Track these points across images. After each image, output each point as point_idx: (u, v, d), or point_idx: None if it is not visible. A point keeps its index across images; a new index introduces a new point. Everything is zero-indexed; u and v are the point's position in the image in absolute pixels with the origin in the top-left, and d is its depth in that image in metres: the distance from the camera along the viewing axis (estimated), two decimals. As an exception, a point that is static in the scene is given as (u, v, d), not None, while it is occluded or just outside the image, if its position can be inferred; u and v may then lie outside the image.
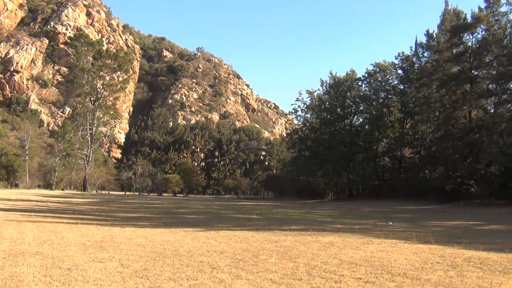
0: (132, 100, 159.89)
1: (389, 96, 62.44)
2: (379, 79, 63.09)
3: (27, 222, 15.56)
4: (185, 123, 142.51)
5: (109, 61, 79.32)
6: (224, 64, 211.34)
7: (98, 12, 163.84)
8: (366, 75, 64.17)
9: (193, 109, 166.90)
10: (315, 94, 68.82)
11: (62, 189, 75.77)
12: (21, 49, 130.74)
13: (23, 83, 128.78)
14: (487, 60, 45.24)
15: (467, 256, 9.56)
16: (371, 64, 66.68)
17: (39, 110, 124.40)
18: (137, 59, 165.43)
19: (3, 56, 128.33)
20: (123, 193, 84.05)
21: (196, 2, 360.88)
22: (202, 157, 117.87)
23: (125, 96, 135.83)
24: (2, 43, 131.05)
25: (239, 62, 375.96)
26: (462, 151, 43.36)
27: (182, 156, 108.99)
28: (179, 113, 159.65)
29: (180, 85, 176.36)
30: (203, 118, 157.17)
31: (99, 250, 9.48)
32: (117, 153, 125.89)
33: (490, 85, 46.07)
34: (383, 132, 61.85)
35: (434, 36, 51.58)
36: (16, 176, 74.37)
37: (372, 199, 51.57)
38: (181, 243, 11.09)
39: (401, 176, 58.86)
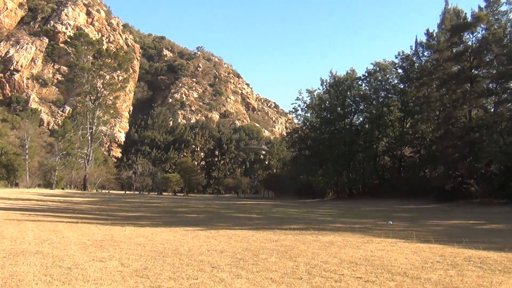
0: (132, 99, 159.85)
1: (389, 95, 62.45)
2: (379, 78, 63.11)
3: (27, 221, 15.57)
4: (185, 122, 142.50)
5: (109, 60, 79.30)
6: (224, 63, 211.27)
7: (98, 11, 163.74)
8: (366, 74, 64.20)
9: (193, 108, 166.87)
10: (315, 93, 68.84)
11: (62, 188, 75.80)
12: (21, 48, 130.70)
13: (23, 82, 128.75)
14: (487, 59, 45.23)
15: (467, 255, 9.56)
16: (371, 63, 66.76)
17: (39, 109, 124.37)
18: (137, 58, 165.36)
19: (3, 55, 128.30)
20: (123, 192, 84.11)
21: (196, 1, 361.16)
22: (202, 156, 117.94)
23: (125, 95, 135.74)
24: (2, 42, 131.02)
25: (239, 61, 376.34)
26: (462, 150, 43.36)
27: (182, 155, 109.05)
28: (179, 112, 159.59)
29: (180, 84, 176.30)
30: (203, 117, 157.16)
31: (99, 249, 9.48)
32: (117, 152, 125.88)
33: (490, 84, 46.05)
34: (383, 131, 61.85)
35: (434, 35, 51.58)
36: (16, 175, 74.39)
37: (372, 198, 51.61)
38: (181, 242, 11.10)
39: (401, 175, 58.88)
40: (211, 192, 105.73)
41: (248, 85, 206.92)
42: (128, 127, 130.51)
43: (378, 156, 63.65)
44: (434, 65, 49.66)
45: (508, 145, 39.21)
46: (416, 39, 56.35)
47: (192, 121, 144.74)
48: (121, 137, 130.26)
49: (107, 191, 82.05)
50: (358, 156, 64.26)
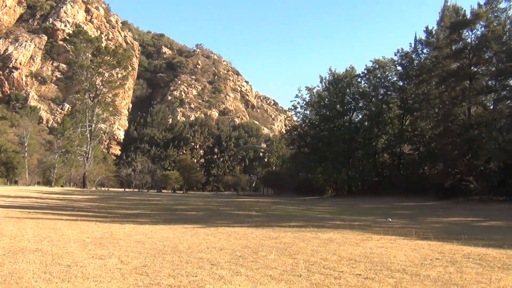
0: (131, 96, 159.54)
1: (389, 92, 62.43)
2: (379, 75, 63.09)
3: (27, 219, 15.57)
4: (184, 119, 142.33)
5: (108, 58, 79.21)
6: (224, 61, 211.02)
7: (97, 8, 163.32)
8: (366, 72, 64.14)
9: (192, 105, 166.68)
10: (315, 90, 68.74)
11: (62, 186, 75.77)
12: (20, 46, 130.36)
13: (22, 79, 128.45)
14: (486, 57, 45.26)
15: (466, 252, 9.57)
16: (371, 61, 66.71)
17: (38, 107, 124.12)
18: (136, 56, 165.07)
19: (2, 52, 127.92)
20: (123, 189, 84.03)
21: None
22: (202, 154, 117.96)
23: (124, 92, 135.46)
24: (1, 40, 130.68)
25: (238, 58, 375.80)
26: (461, 147, 43.40)
27: (181, 153, 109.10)
28: (178, 110, 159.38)
29: (179, 82, 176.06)
30: (203, 115, 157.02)
31: (98, 247, 9.49)
32: (116, 150, 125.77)
33: (489, 82, 46.09)
34: (382, 128, 61.87)
35: (434, 32, 51.53)
36: (16, 173, 74.33)
37: (371, 195, 51.65)
38: (180, 240, 11.11)
39: (400, 172, 58.93)
40: (210, 190, 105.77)
41: (247, 82, 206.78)
42: (127, 125, 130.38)
43: (377, 154, 63.66)
44: (433, 62, 49.66)
45: (507, 142, 39.25)
46: (415, 37, 56.46)
47: (191, 119, 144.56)
48: (120, 135, 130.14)
49: (106, 189, 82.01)
50: (357, 153, 64.26)
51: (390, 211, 27.94)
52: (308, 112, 70.93)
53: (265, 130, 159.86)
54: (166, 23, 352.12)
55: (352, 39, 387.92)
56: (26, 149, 78.70)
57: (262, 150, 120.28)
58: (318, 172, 63.75)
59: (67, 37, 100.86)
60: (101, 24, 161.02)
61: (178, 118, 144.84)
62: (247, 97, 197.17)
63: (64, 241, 10.32)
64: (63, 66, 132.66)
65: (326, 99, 66.42)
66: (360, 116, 67.79)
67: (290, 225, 15.42)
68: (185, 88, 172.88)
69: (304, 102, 69.74)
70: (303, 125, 72.50)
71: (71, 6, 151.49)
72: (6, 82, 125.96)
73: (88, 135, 78.67)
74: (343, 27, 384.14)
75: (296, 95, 71.04)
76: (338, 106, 65.13)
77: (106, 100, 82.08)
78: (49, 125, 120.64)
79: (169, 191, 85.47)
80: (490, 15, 44.43)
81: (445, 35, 47.94)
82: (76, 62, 78.85)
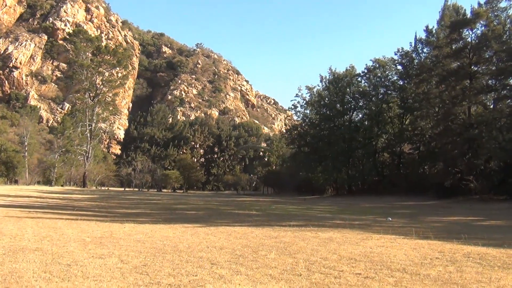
0: (131, 96, 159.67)
1: (389, 92, 62.41)
2: (379, 75, 63.08)
3: (27, 218, 15.57)
4: (184, 119, 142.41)
5: (108, 57, 79.22)
6: (224, 60, 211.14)
7: (97, 8, 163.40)
8: (366, 71, 64.13)
9: (192, 105, 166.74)
10: (315, 90, 68.78)
11: (62, 185, 75.79)
12: (20, 45, 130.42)
13: (22, 79, 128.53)
14: (487, 56, 45.26)
15: (466, 251, 9.57)
16: (371, 60, 66.68)
17: (38, 106, 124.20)
18: (136, 55, 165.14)
19: (2, 52, 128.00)
20: (123, 189, 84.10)
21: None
22: (202, 153, 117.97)
23: (124, 92, 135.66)
24: (1, 39, 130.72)
25: (239, 58, 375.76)
26: (461, 146, 43.39)
27: (181, 152, 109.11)
28: (179, 109, 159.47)
29: (179, 81, 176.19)
30: (203, 114, 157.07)
31: (98, 246, 9.49)
32: (116, 149, 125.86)
33: (490, 81, 46.11)
34: (382, 128, 61.85)
35: (434, 31, 51.52)
36: (16, 172, 74.31)
37: (371, 195, 51.63)
38: (180, 239, 11.11)
39: (400, 172, 58.93)
40: (210, 189, 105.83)
41: (247, 81, 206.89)
42: (127, 124, 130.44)
43: (377, 153, 63.65)
44: (434, 61, 49.66)
45: (507, 142, 39.23)
46: (416, 36, 56.44)
47: (191, 118, 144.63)
48: (121, 134, 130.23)
49: (106, 188, 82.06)
50: (357, 152, 64.26)
51: (390, 211, 27.94)
52: (308, 111, 70.99)
53: (265, 130, 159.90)
54: (166, 23, 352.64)
55: (352, 38, 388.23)
56: (26, 149, 78.69)
57: (262, 149, 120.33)
58: (318, 171, 63.76)
59: (67, 37, 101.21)
60: (101, 24, 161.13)
61: (178, 117, 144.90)
62: (247, 97, 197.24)
63: (64, 240, 10.32)
64: (63, 65, 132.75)
65: (326, 99, 66.42)
66: (360, 116, 67.84)
67: (290, 225, 15.41)
68: (185, 88, 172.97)
69: (304, 102, 69.82)
70: (303, 125, 72.51)
71: (71, 5, 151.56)
72: (6, 82, 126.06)
73: (88, 135, 78.68)
74: (343, 27, 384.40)
75: (296, 94, 71.20)
76: (338, 105, 65.13)
77: (106, 99, 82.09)
78: (49, 125, 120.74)
79: (169, 191, 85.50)
80: (490, 14, 44.43)
81: (445, 34, 47.93)
82: (76, 62, 78.89)
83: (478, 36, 45.37)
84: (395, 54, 60.05)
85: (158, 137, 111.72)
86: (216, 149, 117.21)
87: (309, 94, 69.30)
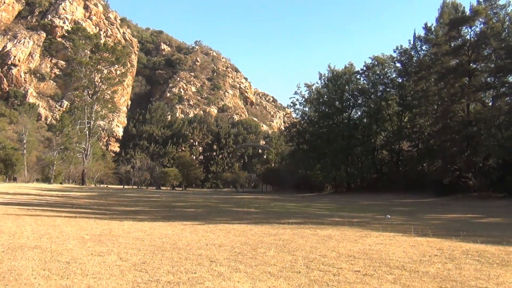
0: (130, 93, 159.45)
1: (387, 89, 62.45)
2: (378, 72, 63.09)
3: (26, 216, 15.56)
4: (183, 116, 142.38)
5: (107, 55, 79.18)
6: (222, 58, 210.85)
7: (95, 5, 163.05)
8: (365, 69, 64.16)
9: (191, 102, 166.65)
10: (314, 87, 68.77)
11: (61, 183, 75.74)
12: (19, 43, 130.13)
13: (20, 76, 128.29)
14: (486, 53, 45.27)
15: (465, 248, 9.58)
16: (370, 58, 66.64)
17: (37, 104, 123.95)
18: (134, 53, 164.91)
19: (0, 49, 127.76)
20: (122, 186, 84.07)
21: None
22: (201, 151, 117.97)
23: (123, 89, 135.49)
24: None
25: (237, 55, 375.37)
26: (460, 144, 43.44)
27: (180, 150, 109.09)
28: (177, 107, 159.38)
29: (178, 79, 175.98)
30: (201, 112, 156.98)
31: (97, 244, 9.49)
32: (115, 147, 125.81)
33: (488, 78, 46.15)
34: (381, 125, 61.88)
35: (433, 29, 51.49)
36: (14, 170, 74.24)
37: (370, 192, 51.67)
38: (179, 237, 11.11)
39: (399, 169, 59.01)
40: (209, 187, 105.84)
41: (246, 79, 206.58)
42: (126, 122, 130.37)
43: (376, 150, 63.70)
44: (432, 59, 49.67)
45: (506, 139, 39.27)
46: (415, 33, 56.31)
47: (190, 116, 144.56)
48: (119, 132, 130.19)
49: (105, 186, 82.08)
50: (356, 150, 64.29)
51: (389, 208, 27.96)
52: (307, 109, 71.01)
53: (264, 127, 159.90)
54: (165, 20, 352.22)
55: (351, 36, 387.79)
56: (25, 146, 78.71)
57: (261, 149, 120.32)
58: (317, 169, 63.80)
59: (66, 34, 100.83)
60: (100, 21, 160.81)
61: (177, 115, 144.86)
62: (246, 94, 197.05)
63: (63, 238, 10.31)
64: (61, 63, 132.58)
65: (325, 96, 66.42)
66: (359, 113, 67.83)
67: (289, 222, 15.42)
68: (184, 85, 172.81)
69: (303, 99, 69.82)
70: (302, 122, 72.52)
71: (70, 2, 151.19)
72: (4, 79, 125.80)
73: (87, 132, 78.69)
74: (342, 24, 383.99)
75: (295, 92, 71.06)
76: (337, 103, 65.13)
77: (105, 97, 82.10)
78: (48, 122, 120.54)
79: (168, 188, 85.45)
80: (489, 12, 44.43)
81: (444, 31, 47.92)
82: (75, 59, 78.87)
83: (477, 33, 45.41)
84: (394, 51, 60.20)
85: (157, 134, 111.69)
86: (215, 147, 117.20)
87: (308, 91, 69.40)
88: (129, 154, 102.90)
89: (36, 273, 6.51)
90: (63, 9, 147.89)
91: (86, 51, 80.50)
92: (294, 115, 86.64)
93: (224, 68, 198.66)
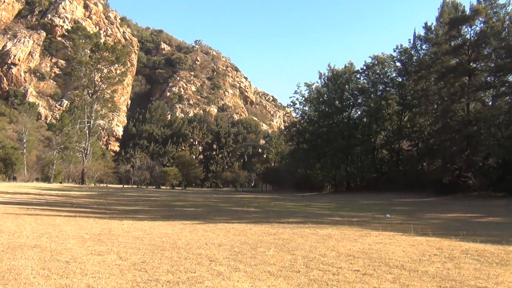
0: (130, 93, 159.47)
1: (387, 88, 62.45)
2: (378, 71, 63.09)
3: (25, 215, 15.56)
4: (183, 116, 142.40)
5: (107, 54, 79.12)
6: (222, 57, 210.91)
7: (95, 4, 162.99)
8: (365, 68, 64.15)
9: (191, 102, 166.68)
10: (313, 86, 68.78)
11: (60, 182, 75.74)
12: (19, 42, 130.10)
13: (20, 76, 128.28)
14: (486, 53, 45.26)
15: (465, 248, 9.59)
16: (370, 57, 66.80)
17: (36, 103, 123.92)
18: (134, 52, 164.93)
19: (0, 49, 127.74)
20: (121, 186, 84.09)
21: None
22: (200, 150, 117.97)
23: (123, 89, 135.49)
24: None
25: (237, 54, 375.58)
26: (460, 143, 43.43)
27: (180, 149, 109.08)
28: (177, 106, 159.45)
29: (178, 78, 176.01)
30: (201, 111, 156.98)
31: (97, 243, 9.49)
32: (115, 146, 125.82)
33: (488, 78, 46.13)
34: (381, 124, 61.88)
35: (433, 28, 51.50)
36: (14, 169, 74.23)
37: (370, 191, 51.68)
38: (179, 236, 11.11)
39: (399, 168, 59.02)
40: (209, 186, 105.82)
41: (246, 78, 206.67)
42: (126, 121, 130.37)
43: (376, 150, 63.71)
44: (432, 58, 49.67)
45: (506, 139, 39.26)
46: (415, 33, 56.36)
47: (190, 115, 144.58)
48: (119, 131, 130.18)
49: (105, 185, 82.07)
50: (356, 149, 64.31)
51: (388, 207, 27.96)
52: (307, 108, 71.04)
53: (264, 126, 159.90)
54: (165, 19, 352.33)
55: (351, 35, 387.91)
56: (24, 146, 78.70)
57: (260, 148, 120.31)
58: (317, 168, 63.83)
59: (66, 33, 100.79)
60: (100, 20, 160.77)
61: (177, 114, 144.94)
62: (246, 93, 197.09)
63: (62, 237, 10.31)
64: (61, 62, 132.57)
65: (325, 95, 66.45)
66: (359, 112, 67.83)
67: (288, 221, 15.43)
68: (184, 84, 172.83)
69: (303, 98, 69.83)
70: (302, 121, 72.51)
71: (70, 2, 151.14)
72: (4, 78, 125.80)
73: (87, 132, 78.65)
74: (342, 23, 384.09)
75: (295, 91, 71.21)
76: (337, 102, 65.15)
77: (105, 96, 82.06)
78: (47, 122, 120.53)
79: (168, 187, 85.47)
80: (489, 11, 44.41)
81: (444, 31, 47.91)
82: (75, 58, 78.83)
83: (477, 33, 45.39)
84: (394, 51, 60.26)
85: (157, 134, 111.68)
86: (214, 146, 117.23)
87: (308, 91, 69.42)
88: (129, 153, 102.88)
89: (35, 272, 6.51)
90: (63, 8, 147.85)
91: (86, 50, 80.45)
92: (294, 114, 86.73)
93: (224, 68, 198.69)
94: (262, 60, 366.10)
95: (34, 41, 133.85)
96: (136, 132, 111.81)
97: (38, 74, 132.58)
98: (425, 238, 11.20)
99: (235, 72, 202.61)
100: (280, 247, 9.48)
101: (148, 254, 8.28)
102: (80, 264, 7.12)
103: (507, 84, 44.11)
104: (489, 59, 45.57)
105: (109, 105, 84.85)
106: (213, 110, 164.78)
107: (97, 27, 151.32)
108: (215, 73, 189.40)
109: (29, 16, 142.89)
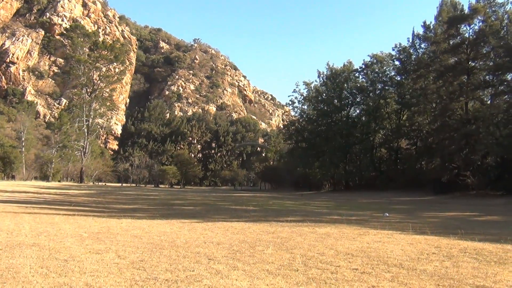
0: (128, 91, 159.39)
1: (386, 87, 62.49)
2: (376, 70, 63.13)
3: (24, 214, 15.54)
4: (182, 114, 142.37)
5: (106, 52, 79.01)
6: (221, 55, 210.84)
7: (94, 3, 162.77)
8: (363, 67, 64.19)
9: (190, 100, 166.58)
10: (312, 85, 68.82)
11: (59, 181, 75.69)
12: (17, 40, 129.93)
13: (19, 74, 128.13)
14: (484, 51, 45.31)
15: (463, 246, 9.59)
16: (368, 56, 66.67)
17: (35, 102, 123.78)
18: (133, 50, 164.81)
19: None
20: (120, 184, 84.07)
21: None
22: (199, 149, 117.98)
23: (121, 87, 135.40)
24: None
25: (236, 53, 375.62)
26: (458, 142, 43.45)
27: (179, 148, 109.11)
28: (176, 105, 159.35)
29: (176, 77, 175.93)
30: (200, 110, 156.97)
31: (96, 242, 9.48)
32: (113, 145, 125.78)
33: (487, 77, 46.16)
34: (380, 123, 61.94)
35: (431, 27, 51.54)
36: (13, 168, 74.18)
37: (368, 190, 51.72)
38: (178, 235, 11.10)
39: (397, 167, 59.06)
40: (207, 185, 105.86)
41: (245, 77, 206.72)
42: (124, 120, 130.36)
43: (374, 148, 63.77)
44: (431, 57, 49.71)
45: (504, 137, 39.30)
46: (413, 31, 56.43)
47: (188, 114, 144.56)
48: (118, 130, 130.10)
49: (103, 184, 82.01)
50: (354, 148, 64.33)
51: (387, 206, 27.97)
52: (305, 107, 71.07)
53: (263, 125, 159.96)
54: (163, 18, 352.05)
55: (350, 34, 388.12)
56: (23, 144, 78.60)
57: (260, 147, 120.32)
58: (316, 167, 63.84)
59: (64, 32, 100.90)
60: (98, 19, 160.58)
61: (176, 113, 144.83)
62: (245, 92, 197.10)
63: (61, 235, 10.30)
64: (60, 60, 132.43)
65: (324, 94, 66.48)
66: (358, 111, 67.97)
67: (287, 220, 15.43)
68: (183, 83, 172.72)
69: (302, 97, 69.90)
70: (300, 120, 72.52)
71: (68, 0, 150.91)
72: (3, 77, 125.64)
73: (86, 130, 78.58)
74: (341, 22, 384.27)
75: (294, 90, 71.27)
76: (336, 101, 65.18)
77: (104, 94, 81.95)
78: (46, 120, 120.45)
79: (167, 186, 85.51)
80: (488, 10, 44.46)
81: (443, 29, 47.96)
82: (74, 57, 78.72)
83: (475, 31, 45.45)
84: (393, 49, 60.32)
85: (156, 132, 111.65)
86: (213, 145, 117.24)
87: (306, 89, 69.47)
88: (127, 152, 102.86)
89: (34, 271, 6.50)
90: (62, 7, 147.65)
91: (84, 49, 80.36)
92: (292, 113, 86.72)
93: (223, 66, 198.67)
94: (261, 59, 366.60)
95: (32, 40, 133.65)
96: (135, 130, 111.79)
97: (37, 72, 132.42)
98: (424, 237, 11.21)
99: (234, 70, 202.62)
100: (279, 245, 9.48)
101: (147, 252, 8.28)
102: (78, 263, 7.11)
103: (505, 83, 44.14)
104: (487, 58, 45.62)
105: (108, 103, 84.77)
106: (212, 108, 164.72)
107: (96, 26, 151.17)
108: (214, 71, 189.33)
109: (27, 15, 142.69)
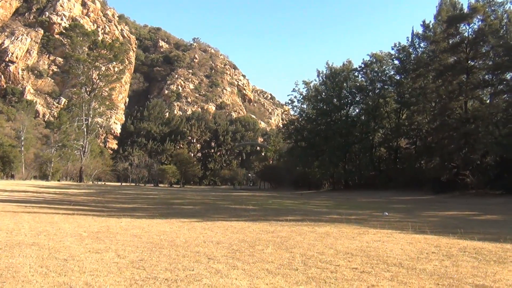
0: (128, 90, 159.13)
1: (386, 86, 62.48)
2: (376, 69, 63.14)
3: (23, 213, 15.53)
4: (181, 113, 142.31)
5: (105, 52, 79.06)
6: (221, 55, 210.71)
7: (93, 2, 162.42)
8: (363, 66, 64.19)
9: (189, 99, 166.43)
10: (312, 84, 68.87)
11: (58, 180, 75.70)
12: (16, 39, 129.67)
13: (18, 73, 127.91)
14: (484, 51, 45.32)
15: (462, 246, 9.59)
16: (368, 55, 66.83)
17: (34, 101, 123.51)
18: (133, 50, 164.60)
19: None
20: (119, 184, 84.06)
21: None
22: (199, 148, 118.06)
23: (121, 86, 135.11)
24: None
25: (235, 52, 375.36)
26: (458, 141, 43.47)
27: (178, 147, 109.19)
28: (175, 104, 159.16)
29: (176, 76, 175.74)
30: (199, 109, 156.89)
31: (95, 241, 9.48)
32: (113, 144, 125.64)
33: (486, 76, 46.18)
34: (379, 122, 61.95)
35: (431, 26, 51.54)
36: (12, 167, 74.14)
37: (368, 189, 51.73)
38: (177, 234, 11.10)
39: (397, 166, 59.06)
40: (207, 184, 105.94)
41: (244, 76, 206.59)
42: (124, 119, 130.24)
43: (374, 148, 63.77)
44: (430, 56, 49.73)
45: (503, 136, 39.33)
46: (413, 30, 56.45)
47: (188, 113, 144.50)
48: (117, 129, 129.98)
49: (103, 183, 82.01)
50: (354, 147, 64.33)
51: (386, 205, 27.97)
52: (305, 106, 71.10)
53: (262, 124, 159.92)
54: (163, 17, 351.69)
55: (349, 33, 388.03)
56: (22, 143, 78.55)
57: (259, 146, 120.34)
58: (315, 166, 63.86)
59: (64, 31, 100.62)
60: (98, 18, 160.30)
61: (175, 112, 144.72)
62: (244, 91, 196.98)
63: (60, 235, 10.30)
64: (59, 60, 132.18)
65: (323, 93, 66.50)
66: (357, 110, 67.99)
67: (287, 219, 15.43)
68: (182, 82, 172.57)
69: (301, 96, 69.92)
70: (300, 119, 72.54)
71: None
72: (2, 76, 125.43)
73: (85, 129, 78.61)
74: (340, 21, 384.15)
75: (293, 89, 71.27)
76: (335, 100, 65.19)
77: (103, 94, 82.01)
78: (45, 119, 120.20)
79: (166, 185, 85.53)
80: (487, 9, 44.46)
81: (442, 29, 47.95)
82: (73, 56, 78.72)
83: (475, 31, 45.45)
84: (392, 48, 60.30)
85: (155, 131, 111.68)
86: (213, 144, 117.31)
87: (306, 88, 69.51)
88: (127, 151, 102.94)
89: (33, 270, 6.50)
90: (61, 6, 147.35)
91: (84, 48, 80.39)
92: (292, 112, 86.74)
93: (222, 65, 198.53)
94: (261, 58, 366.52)
95: (31, 39, 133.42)
96: (134, 130, 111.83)
97: (36, 71, 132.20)
98: (423, 236, 11.21)
99: (233, 70, 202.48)
100: (278, 245, 9.48)
101: (146, 252, 8.28)
102: (78, 262, 7.11)
103: (505, 82, 44.17)
104: (487, 57, 45.63)
105: (107, 103, 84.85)
106: (211, 108, 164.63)
107: (95, 25, 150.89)
108: (213, 71, 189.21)
109: (26, 14, 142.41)
